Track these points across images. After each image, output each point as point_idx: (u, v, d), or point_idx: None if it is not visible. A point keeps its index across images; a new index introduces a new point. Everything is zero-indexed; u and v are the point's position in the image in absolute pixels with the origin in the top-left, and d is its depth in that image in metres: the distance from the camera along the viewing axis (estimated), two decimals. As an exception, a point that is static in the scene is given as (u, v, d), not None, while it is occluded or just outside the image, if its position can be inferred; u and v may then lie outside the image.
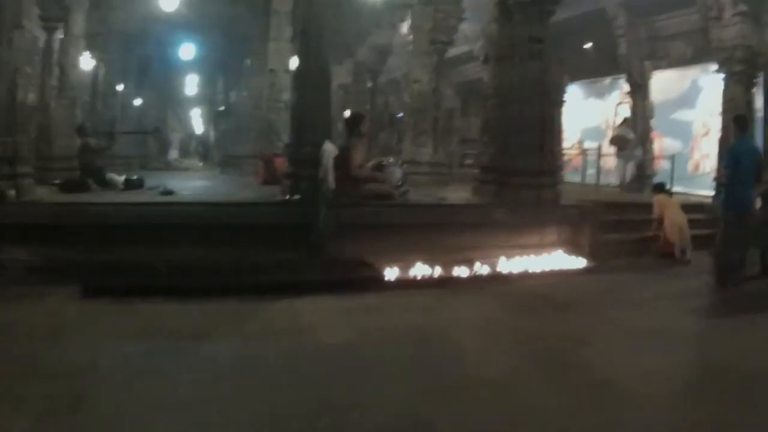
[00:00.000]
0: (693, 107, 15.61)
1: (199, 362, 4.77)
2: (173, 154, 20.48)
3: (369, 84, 20.11)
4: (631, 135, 14.50)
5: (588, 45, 17.29)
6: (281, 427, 3.74)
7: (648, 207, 10.56)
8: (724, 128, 12.11)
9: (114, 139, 15.10)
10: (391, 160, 10.28)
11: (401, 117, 19.67)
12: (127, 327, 5.52)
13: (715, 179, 12.10)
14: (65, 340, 5.09)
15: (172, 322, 5.70)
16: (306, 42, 9.21)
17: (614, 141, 14.90)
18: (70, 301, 6.17)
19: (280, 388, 4.31)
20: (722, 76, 12.48)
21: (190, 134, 30.24)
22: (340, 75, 20.25)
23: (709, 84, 14.48)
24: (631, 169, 14.33)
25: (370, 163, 9.53)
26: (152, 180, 11.03)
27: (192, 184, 12.27)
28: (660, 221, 10.14)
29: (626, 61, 15.35)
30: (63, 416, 3.72)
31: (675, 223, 10.00)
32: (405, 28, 15.46)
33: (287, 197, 8.67)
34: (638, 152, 14.71)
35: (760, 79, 13.07)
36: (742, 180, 8.00)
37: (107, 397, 4.03)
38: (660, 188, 11.05)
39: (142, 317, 5.82)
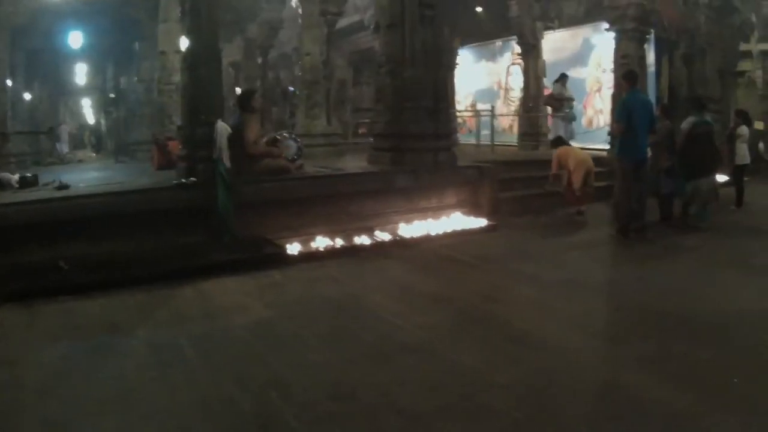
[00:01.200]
0: (585, 65, 15.99)
1: (119, 357, 4.60)
2: (65, 147, 19.75)
3: (260, 60, 19.85)
4: (566, 93, 14.46)
5: (479, 9, 17.44)
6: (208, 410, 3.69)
7: (544, 163, 10.76)
8: (617, 84, 12.45)
9: (7, 139, 14.62)
10: (285, 134, 10.14)
11: (294, 90, 19.49)
12: (40, 331, 5.25)
13: (609, 133, 12.49)
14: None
15: (83, 321, 5.47)
16: (195, 21, 8.93)
17: (548, 101, 14.88)
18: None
19: (198, 373, 4.23)
20: (614, 34, 12.83)
21: (82, 125, 29.28)
22: (231, 52, 20.13)
23: (601, 42, 14.84)
24: (569, 127, 14.31)
25: (265, 139, 9.39)
26: (47, 176, 10.56)
27: (87, 176, 11.81)
28: (556, 176, 10.30)
29: (518, 23, 15.48)
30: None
31: (580, 163, 9.96)
32: (294, 1, 15.23)
33: (183, 180, 8.48)
34: (573, 111, 14.60)
35: (652, 36, 13.54)
36: (635, 131, 8.25)
37: (42, 405, 3.81)
38: (559, 142, 11.21)
39: (52, 319, 5.53)
